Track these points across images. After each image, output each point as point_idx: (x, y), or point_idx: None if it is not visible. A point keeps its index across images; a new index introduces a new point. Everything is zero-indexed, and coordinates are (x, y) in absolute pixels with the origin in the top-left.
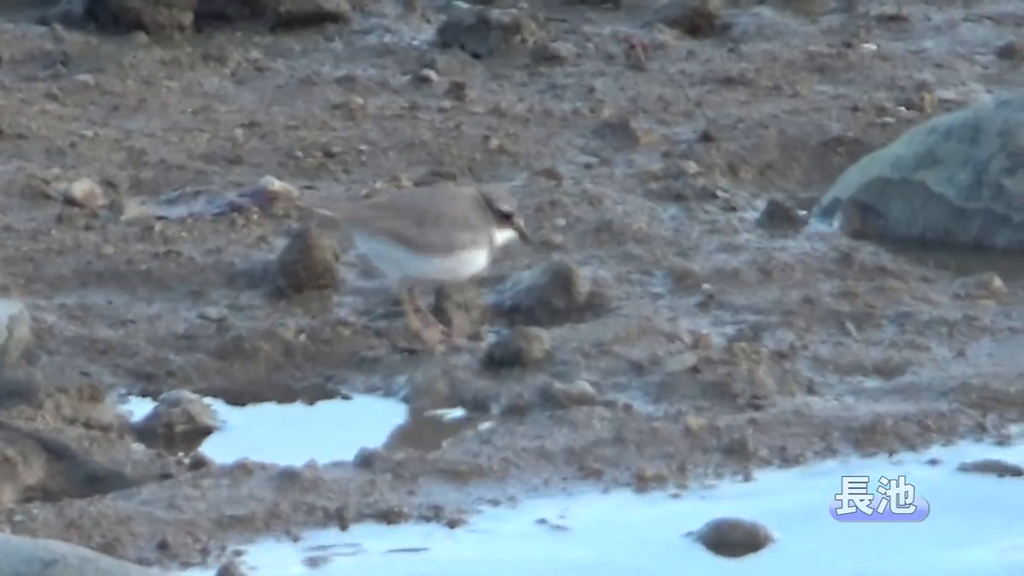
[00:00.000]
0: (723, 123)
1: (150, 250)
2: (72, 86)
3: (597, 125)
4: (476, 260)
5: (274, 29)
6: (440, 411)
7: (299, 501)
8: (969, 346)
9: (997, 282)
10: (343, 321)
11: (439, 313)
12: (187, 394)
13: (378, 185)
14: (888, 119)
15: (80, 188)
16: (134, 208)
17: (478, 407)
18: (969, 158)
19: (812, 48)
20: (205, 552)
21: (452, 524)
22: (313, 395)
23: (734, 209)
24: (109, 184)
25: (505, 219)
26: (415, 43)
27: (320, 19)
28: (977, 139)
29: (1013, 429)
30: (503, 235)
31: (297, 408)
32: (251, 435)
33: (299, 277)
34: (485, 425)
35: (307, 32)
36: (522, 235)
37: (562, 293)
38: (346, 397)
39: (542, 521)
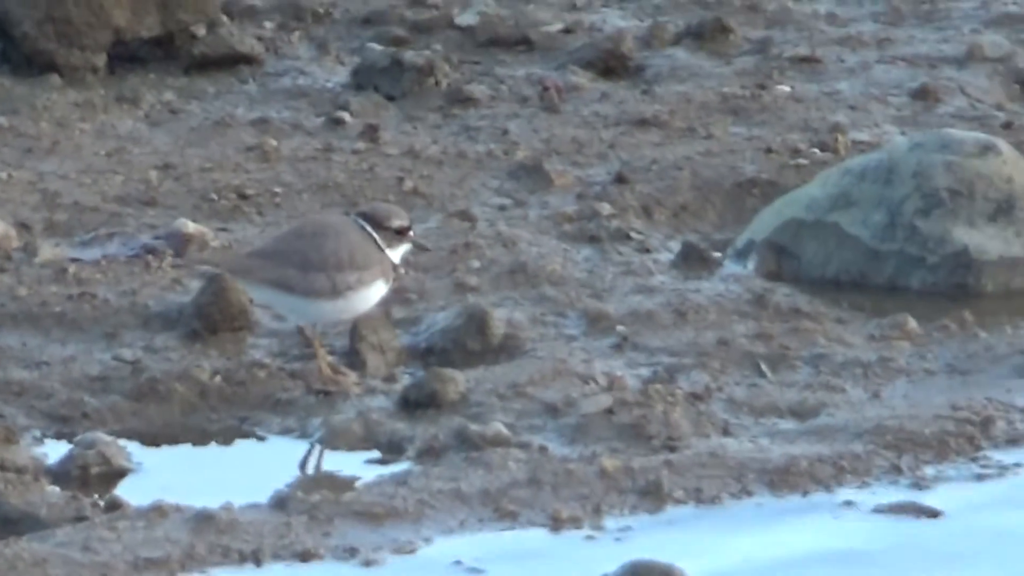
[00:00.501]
0: (637, 165)
1: (64, 292)
2: None
3: (511, 167)
4: (370, 295)
5: (188, 71)
6: (355, 453)
7: (215, 543)
8: (884, 387)
9: (911, 323)
10: (258, 363)
11: (354, 354)
12: (102, 436)
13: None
14: (802, 161)
15: None
16: (48, 250)
17: (393, 449)
18: (883, 200)
19: (726, 90)
20: None
21: (367, 565)
22: (228, 437)
23: (648, 251)
24: (23, 226)
25: (399, 235)
26: (329, 85)
27: (234, 61)
28: (891, 180)
29: (928, 471)
30: (399, 251)
31: (212, 450)
32: (166, 477)
33: (214, 319)
34: (400, 467)
35: (221, 74)
36: (419, 246)
37: (477, 335)
38: (261, 439)
39: (457, 563)
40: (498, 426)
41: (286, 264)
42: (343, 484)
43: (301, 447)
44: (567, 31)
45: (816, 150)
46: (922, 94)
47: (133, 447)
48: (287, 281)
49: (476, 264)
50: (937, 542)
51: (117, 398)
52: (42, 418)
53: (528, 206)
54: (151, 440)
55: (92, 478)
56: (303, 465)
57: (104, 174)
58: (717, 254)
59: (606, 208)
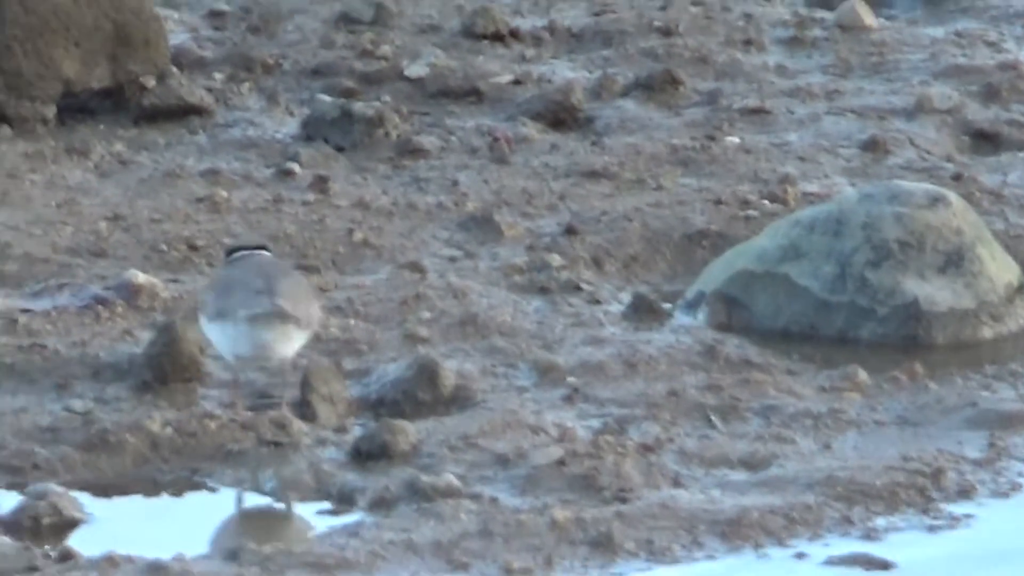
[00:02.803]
0: (587, 216)
1: (14, 343)
2: None
3: (461, 218)
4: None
5: (138, 122)
6: (307, 504)
7: None
8: (835, 439)
9: (862, 375)
10: (209, 414)
11: (305, 405)
12: (53, 487)
13: None
14: (752, 212)
15: None
16: None
17: (344, 500)
18: (833, 251)
19: (675, 141)
20: None
21: None
22: (180, 488)
23: (599, 302)
24: None
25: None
26: (279, 136)
27: (184, 112)
28: (841, 232)
29: (880, 522)
30: None
31: (164, 501)
32: (118, 528)
33: (165, 370)
34: (352, 518)
35: (171, 125)
36: None
37: (428, 386)
38: (213, 490)
39: None
40: (449, 477)
41: None
42: (295, 535)
43: (253, 498)
44: (517, 82)
45: (766, 201)
46: (871, 146)
47: (84, 498)
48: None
49: (426, 315)
50: None
51: (68, 449)
52: None
53: (478, 257)
54: (103, 491)
55: (43, 529)
56: (254, 516)
57: (54, 225)
58: (667, 305)
59: (556, 259)
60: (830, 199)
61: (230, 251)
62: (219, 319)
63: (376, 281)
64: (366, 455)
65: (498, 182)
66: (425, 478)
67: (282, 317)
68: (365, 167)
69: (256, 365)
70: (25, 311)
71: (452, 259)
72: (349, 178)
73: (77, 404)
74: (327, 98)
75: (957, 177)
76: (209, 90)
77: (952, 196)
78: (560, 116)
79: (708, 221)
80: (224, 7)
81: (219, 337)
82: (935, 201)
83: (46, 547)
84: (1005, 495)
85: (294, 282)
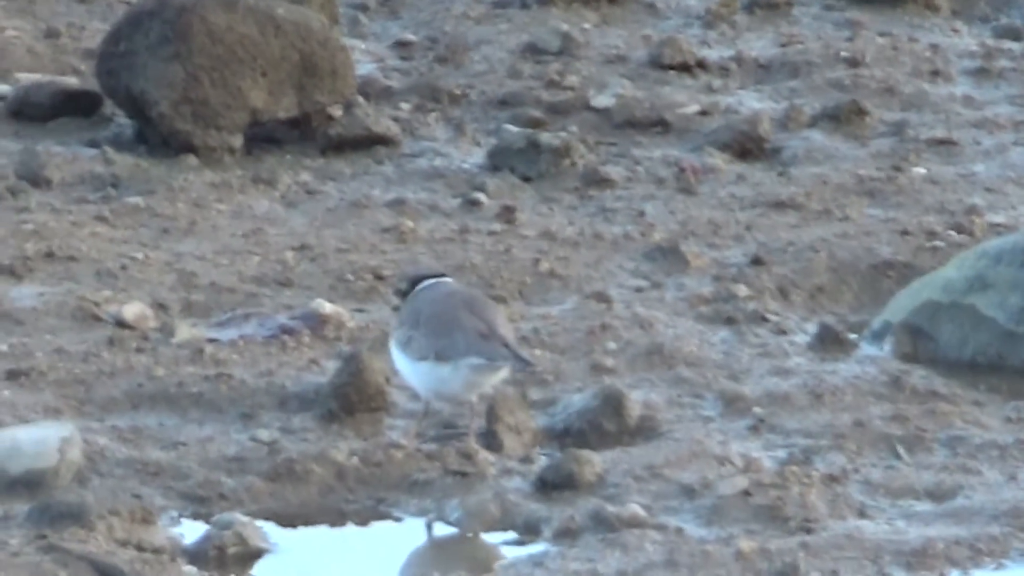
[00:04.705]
0: (773, 246)
1: (201, 372)
2: (122, 208)
3: (647, 248)
4: None
5: (324, 152)
6: (492, 534)
7: None
8: (1021, 470)
9: None
10: (395, 444)
11: (491, 436)
12: (239, 516)
13: None
14: (938, 243)
15: (131, 310)
16: (185, 330)
17: (530, 530)
18: (1019, 282)
19: (862, 172)
20: None
21: None
22: (365, 518)
23: (785, 332)
24: (160, 306)
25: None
26: (465, 166)
27: (370, 142)
28: None
29: None
30: None
31: (349, 531)
32: (303, 558)
33: (351, 400)
34: (537, 548)
35: (357, 155)
36: None
37: (613, 416)
38: (398, 520)
39: None
40: (635, 507)
41: None
42: (480, 565)
43: (438, 528)
44: (703, 113)
45: (952, 232)
46: None
47: (270, 528)
48: None
49: (612, 346)
50: None
51: (254, 479)
52: (179, 498)
53: (664, 288)
54: (288, 521)
55: (229, 558)
56: (440, 546)
57: (241, 255)
58: (853, 336)
59: (743, 290)
60: (1017, 230)
61: (413, 279)
62: (435, 360)
63: (562, 311)
64: (551, 485)
65: (684, 212)
66: (610, 508)
67: (523, 366)
68: (551, 197)
69: (452, 402)
70: (211, 341)
71: (638, 289)
72: (535, 208)
73: (263, 434)
74: (514, 128)
75: None
76: (396, 120)
77: None
78: (747, 146)
79: (894, 252)
80: (411, 37)
81: (426, 377)
82: None
83: None
84: None
85: (503, 316)
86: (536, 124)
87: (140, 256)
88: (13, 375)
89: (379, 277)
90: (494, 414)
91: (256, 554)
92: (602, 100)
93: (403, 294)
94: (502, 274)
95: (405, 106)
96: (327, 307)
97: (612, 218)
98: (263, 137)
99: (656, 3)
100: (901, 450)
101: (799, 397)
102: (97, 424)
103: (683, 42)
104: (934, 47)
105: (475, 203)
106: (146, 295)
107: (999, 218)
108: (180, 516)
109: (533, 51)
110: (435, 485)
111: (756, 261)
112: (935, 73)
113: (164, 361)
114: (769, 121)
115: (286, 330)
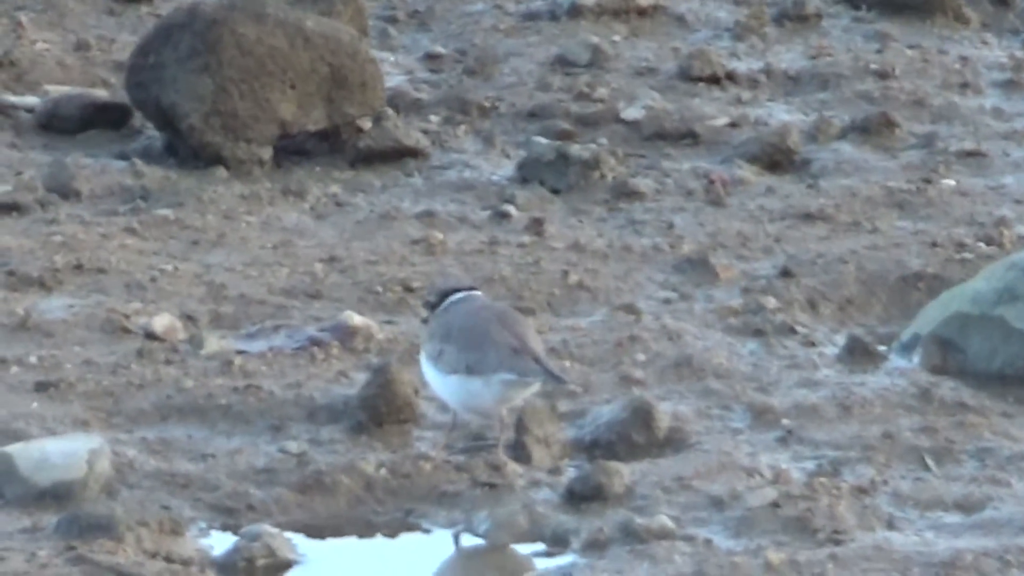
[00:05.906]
0: (802, 258)
1: (230, 384)
2: (152, 220)
3: (676, 260)
4: None
5: (354, 164)
6: (520, 546)
7: None
8: None
9: None
10: (423, 455)
11: (519, 447)
12: (268, 528)
13: None
14: (967, 255)
15: (160, 322)
16: (214, 342)
17: (558, 542)
18: None
19: (891, 184)
20: None
21: None
22: (394, 529)
23: (813, 344)
24: (189, 318)
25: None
26: (494, 178)
27: (400, 155)
28: None
29: None
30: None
31: (378, 542)
32: (332, 569)
33: (379, 411)
34: (566, 559)
35: (387, 167)
36: None
37: (642, 428)
38: (426, 531)
39: None
40: (663, 519)
41: None
42: None
43: (467, 539)
44: (733, 125)
45: (982, 244)
46: None
47: (299, 539)
48: None
49: (641, 357)
50: None
51: (283, 490)
52: (208, 510)
53: (693, 300)
54: (317, 532)
55: (257, 570)
56: (469, 557)
57: (270, 266)
58: (882, 348)
59: (771, 302)
60: None
61: (443, 292)
62: (466, 374)
63: (591, 323)
64: (580, 497)
65: (714, 224)
66: (639, 520)
67: (556, 382)
68: (581, 209)
69: (481, 415)
70: (240, 352)
71: (667, 301)
72: (565, 220)
73: (292, 445)
74: (543, 140)
75: None
76: (425, 132)
77: None
78: (776, 159)
79: (924, 263)
80: (440, 50)
81: (457, 390)
82: None
83: None
84: None
85: (533, 331)
86: (565, 136)
87: (169, 268)
88: (42, 387)
89: (408, 289)
90: (523, 426)
91: (285, 566)
92: (631, 112)
93: (432, 306)
94: (531, 286)
95: (434, 118)
96: (356, 319)
97: (641, 230)
98: (292, 149)
99: (686, 15)
100: (930, 462)
101: (828, 409)
102: (126, 436)
103: (712, 54)
104: (963, 59)
105: (504, 215)
106: (175, 307)
107: None
108: (209, 528)
109: (563, 63)
110: (464, 497)
111: (785, 273)
112: (964, 85)
113: (193, 373)
114: (798, 133)
115: (315, 342)
